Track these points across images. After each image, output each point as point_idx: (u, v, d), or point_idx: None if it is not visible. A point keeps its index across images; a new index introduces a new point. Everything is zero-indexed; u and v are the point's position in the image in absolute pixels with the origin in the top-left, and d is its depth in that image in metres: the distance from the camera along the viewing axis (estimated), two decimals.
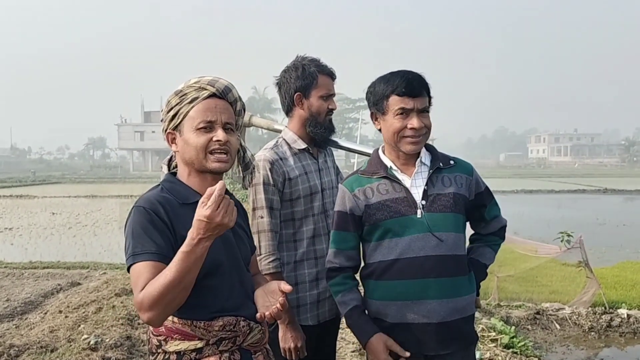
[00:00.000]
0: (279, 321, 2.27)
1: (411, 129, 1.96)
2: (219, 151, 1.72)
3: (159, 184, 1.79)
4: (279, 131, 2.65)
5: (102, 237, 13.27)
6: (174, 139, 1.76)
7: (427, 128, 2.00)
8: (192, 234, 1.50)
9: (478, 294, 2.13)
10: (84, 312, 5.63)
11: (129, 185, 37.46)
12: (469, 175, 2.09)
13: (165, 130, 1.78)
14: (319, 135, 2.48)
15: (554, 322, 6.05)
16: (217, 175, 1.76)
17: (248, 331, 1.73)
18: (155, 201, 1.67)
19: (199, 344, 1.65)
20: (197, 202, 1.69)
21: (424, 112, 1.99)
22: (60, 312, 5.92)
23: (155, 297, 1.49)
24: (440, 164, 2.05)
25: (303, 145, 2.47)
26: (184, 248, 1.50)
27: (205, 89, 1.73)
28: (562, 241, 6.43)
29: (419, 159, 2.05)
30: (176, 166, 1.86)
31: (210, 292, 1.67)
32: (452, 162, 2.10)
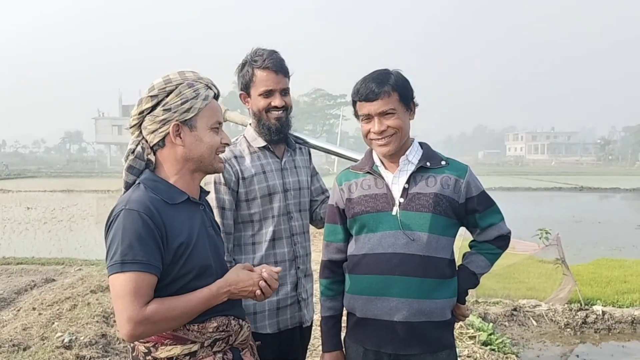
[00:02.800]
0: None
1: (373, 132, 1.97)
2: (222, 152, 1.76)
3: (139, 182, 1.69)
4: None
5: (78, 232, 13.07)
6: (179, 132, 1.67)
7: (394, 128, 1.95)
8: (225, 285, 1.65)
9: (462, 301, 2.08)
10: (58, 310, 5.53)
11: (107, 179, 37.02)
12: (459, 177, 2.01)
13: (165, 121, 1.65)
14: (263, 136, 2.33)
15: (531, 318, 6.11)
16: (205, 175, 1.80)
17: (239, 329, 1.74)
18: (149, 204, 1.60)
19: (194, 347, 1.63)
20: (185, 202, 1.70)
21: (387, 113, 1.95)
22: (34, 309, 5.80)
23: (165, 320, 1.54)
24: (428, 163, 2.02)
25: (262, 144, 2.34)
26: (213, 291, 1.62)
27: (211, 89, 1.72)
28: (540, 238, 6.49)
29: (404, 156, 2.02)
30: (148, 162, 1.73)
31: None
32: (443, 162, 2.05)
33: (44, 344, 4.40)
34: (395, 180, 2.01)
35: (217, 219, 2.16)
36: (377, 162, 2.06)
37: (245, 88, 2.33)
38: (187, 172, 1.72)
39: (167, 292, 1.59)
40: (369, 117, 1.98)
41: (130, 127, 1.73)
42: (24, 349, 4.34)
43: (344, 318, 2.15)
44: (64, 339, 4.30)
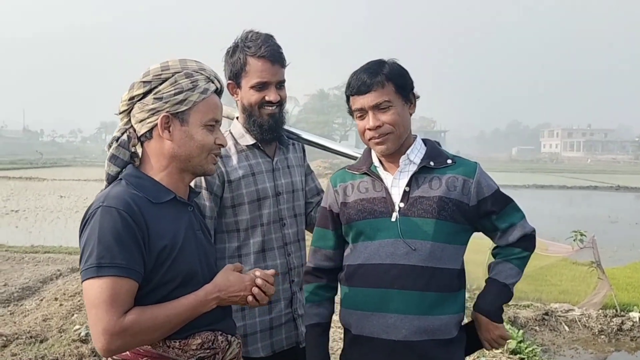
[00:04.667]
0: None
1: (368, 129, 1.77)
2: (216, 153, 1.59)
3: (121, 178, 1.53)
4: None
5: None
6: (169, 125, 1.51)
7: (390, 125, 1.75)
8: (214, 290, 1.49)
9: (498, 319, 1.82)
10: (79, 301, 5.52)
11: None
12: (467, 177, 1.79)
13: (155, 111, 1.49)
14: (254, 133, 2.07)
15: (563, 323, 5.88)
16: (196, 176, 1.63)
17: (227, 346, 1.56)
18: (129, 200, 1.44)
19: None
20: (171, 201, 1.53)
21: (381, 107, 1.75)
22: (56, 299, 5.83)
23: (148, 331, 1.38)
24: (431, 163, 1.81)
25: (251, 141, 2.08)
26: (200, 297, 1.46)
27: (213, 82, 1.56)
28: (574, 240, 6.23)
29: (405, 155, 1.82)
30: (133, 155, 1.57)
31: None
32: (449, 161, 1.83)
33: (61, 336, 4.38)
34: (395, 183, 1.81)
35: None
36: (376, 162, 1.86)
37: (235, 77, 2.04)
38: (174, 170, 1.55)
39: (148, 300, 1.43)
40: (362, 113, 1.78)
41: (120, 113, 1.57)
42: (41, 341, 4.33)
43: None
44: (80, 332, 4.27)
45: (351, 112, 1.84)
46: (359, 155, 2.29)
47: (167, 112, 1.50)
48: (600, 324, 5.80)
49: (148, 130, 1.52)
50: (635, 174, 45.49)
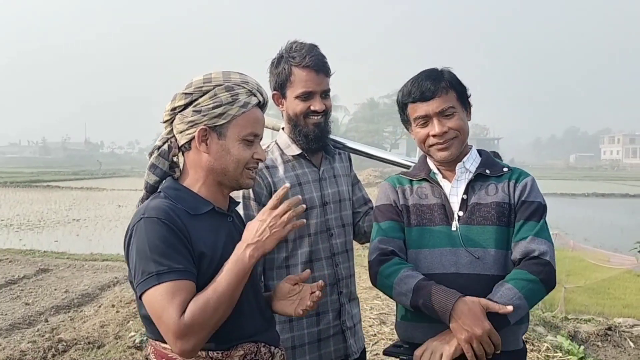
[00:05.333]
0: None
1: (433, 135, 1.74)
2: (253, 169, 1.56)
3: (160, 191, 1.54)
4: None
5: None
6: (207, 138, 1.50)
7: (455, 130, 1.74)
8: (243, 243, 1.43)
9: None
10: (134, 308, 5.64)
11: None
12: (517, 182, 1.77)
13: (194, 124, 1.49)
14: (300, 144, 2.05)
15: (628, 339, 5.57)
16: (231, 190, 1.60)
17: (270, 358, 1.53)
18: (169, 210, 1.43)
19: None
20: (210, 212, 1.52)
21: (446, 113, 1.73)
22: (113, 306, 5.99)
23: (208, 317, 1.34)
24: (487, 171, 1.79)
25: (297, 151, 2.06)
26: (236, 257, 1.41)
27: (255, 96, 1.53)
28: (639, 251, 5.93)
29: (461, 163, 1.79)
30: (173, 165, 1.58)
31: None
32: (505, 169, 1.81)
33: (117, 343, 4.49)
34: (454, 191, 1.78)
35: None
36: (434, 169, 1.84)
37: (280, 88, 2.03)
38: (212, 182, 1.54)
39: None
40: (425, 120, 1.75)
41: (163, 122, 1.58)
42: (99, 347, 4.45)
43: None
44: (135, 339, 4.36)
45: (406, 120, 1.82)
46: (406, 162, 2.26)
47: (205, 125, 1.49)
48: None
49: (187, 142, 1.53)
50: None
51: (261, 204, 1.96)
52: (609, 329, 5.71)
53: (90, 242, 11.71)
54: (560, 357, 4.37)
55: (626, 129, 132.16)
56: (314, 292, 1.60)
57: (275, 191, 1.95)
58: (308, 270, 1.65)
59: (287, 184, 1.56)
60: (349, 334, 2.10)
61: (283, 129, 2.14)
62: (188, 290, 1.35)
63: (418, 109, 1.76)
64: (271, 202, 1.47)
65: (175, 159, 1.58)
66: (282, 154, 2.08)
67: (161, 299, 1.33)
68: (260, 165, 1.87)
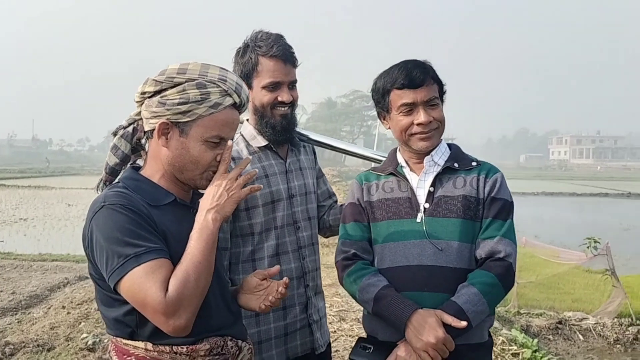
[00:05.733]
0: None
1: (418, 124, 1.74)
2: (213, 172, 1.48)
3: (119, 181, 1.48)
4: None
5: None
6: (168, 132, 1.43)
7: (438, 121, 1.76)
8: (202, 208, 1.40)
9: (453, 335, 1.58)
10: (86, 309, 5.49)
11: None
12: (487, 177, 1.77)
13: (157, 115, 1.41)
14: (266, 135, 2.01)
15: (577, 332, 5.77)
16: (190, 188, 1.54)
17: (237, 352, 1.49)
18: (129, 197, 1.38)
19: None
20: (172, 203, 1.46)
21: (431, 103, 1.75)
22: (64, 307, 5.78)
23: (192, 287, 1.29)
24: (455, 164, 1.79)
25: (263, 143, 2.02)
26: (198, 223, 1.38)
27: (230, 96, 1.44)
28: (588, 247, 6.14)
29: (429, 157, 1.80)
30: (135, 147, 1.52)
31: None
32: (474, 163, 1.82)
33: (68, 344, 4.34)
34: (421, 184, 1.79)
35: None
36: (402, 162, 1.85)
37: (246, 78, 1.97)
38: (171, 177, 1.48)
39: None
40: (411, 107, 1.74)
41: (135, 102, 1.50)
42: (48, 350, 4.28)
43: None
44: (87, 341, 4.23)
45: (386, 107, 1.80)
46: (369, 155, 2.27)
47: (167, 119, 1.41)
48: (616, 332, 5.69)
49: (150, 130, 1.46)
50: None
51: None
52: (560, 322, 5.90)
53: (38, 242, 11.28)
54: (515, 350, 4.48)
55: (573, 130, 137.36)
56: (279, 288, 1.56)
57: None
58: (277, 267, 1.61)
59: (249, 157, 1.56)
60: (315, 328, 2.09)
61: (247, 120, 2.09)
62: (168, 268, 1.30)
63: (405, 96, 1.74)
64: (232, 173, 1.44)
65: (143, 141, 1.51)
66: (248, 145, 2.04)
67: (144, 279, 1.26)
68: None
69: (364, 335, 1.86)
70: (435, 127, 1.76)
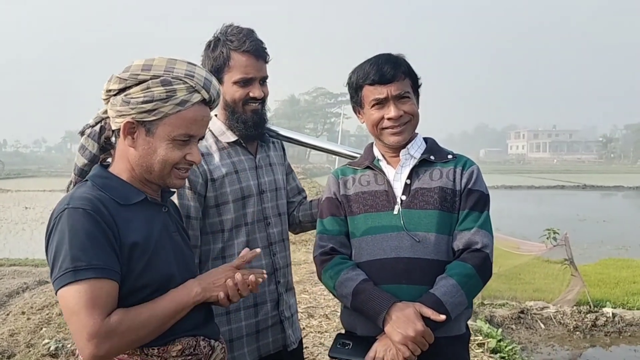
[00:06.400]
0: None
1: (388, 119, 1.75)
2: (183, 169, 1.45)
3: (87, 179, 1.44)
4: None
5: None
6: (134, 132, 1.39)
7: (410, 115, 1.77)
8: (196, 280, 1.42)
9: (432, 327, 1.58)
10: (47, 314, 5.34)
11: None
12: (464, 169, 1.79)
13: (121, 114, 1.37)
14: (237, 130, 1.98)
15: (539, 321, 5.93)
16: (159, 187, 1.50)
17: (210, 352, 1.47)
18: (96, 201, 1.33)
19: None
20: (142, 202, 1.43)
21: (403, 97, 1.75)
22: (23, 313, 5.61)
23: (132, 329, 1.28)
24: (432, 157, 1.81)
25: (233, 138, 1.99)
26: (179, 289, 1.39)
27: (198, 93, 1.39)
28: (547, 238, 6.31)
29: (405, 150, 1.81)
30: (104, 147, 1.49)
31: None
32: (450, 156, 1.84)
33: (29, 351, 4.22)
34: (397, 177, 1.80)
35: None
36: (379, 156, 1.85)
37: (217, 72, 1.93)
38: (139, 176, 1.45)
39: (122, 307, 1.33)
40: (382, 103, 1.75)
41: (103, 99, 1.46)
42: (9, 357, 4.16)
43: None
44: (50, 347, 4.12)
45: (359, 102, 1.81)
46: (339, 150, 2.28)
47: (132, 118, 1.38)
48: (575, 320, 5.87)
49: (118, 129, 1.42)
50: (601, 173, 46.79)
51: (196, 193, 1.89)
52: (522, 312, 6.05)
53: None
54: (481, 340, 4.57)
55: (530, 125, 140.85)
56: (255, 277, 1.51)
57: (211, 179, 1.91)
58: (256, 250, 1.56)
59: (258, 250, 1.53)
60: (287, 324, 2.07)
61: (216, 115, 2.06)
62: (107, 291, 1.27)
63: (376, 92, 1.75)
64: (236, 262, 1.48)
65: (113, 139, 1.47)
66: (217, 141, 2.00)
67: (78, 299, 1.24)
68: None
69: (332, 331, 1.86)
70: (407, 121, 1.77)
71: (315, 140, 2.38)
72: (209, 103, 1.46)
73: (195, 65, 1.44)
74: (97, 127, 1.47)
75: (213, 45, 1.96)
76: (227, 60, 1.92)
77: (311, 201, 2.24)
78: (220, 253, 1.95)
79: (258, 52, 1.94)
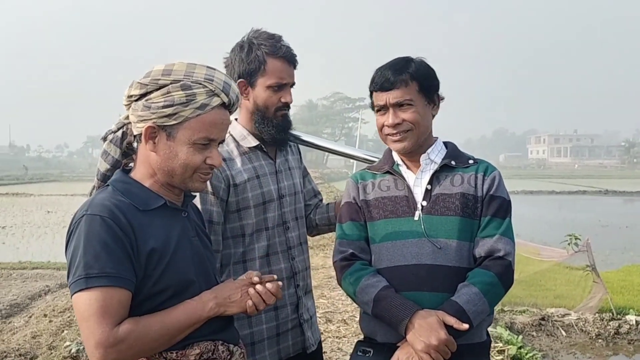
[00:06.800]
0: None
1: (387, 126, 1.75)
2: (205, 173, 1.46)
3: (109, 184, 1.46)
4: None
5: None
6: (155, 136, 1.41)
7: (410, 123, 1.73)
8: (212, 295, 1.41)
9: (454, 336, 1.57)
10: (69, 317, 5.41)
11: None
12: (485, 175, 1.76)
13: (143, 119, 1.39)
14: (267, 134, 2.00)
15: (560, 328, 5.84)
16: (182, 191, 1.51)
17: (229, 356, 1.47)
18: (114, 207, 1.35)
19: None
20: (162, 207, 1.45)
21: (404, 105, 1.72)
22: (45, 315, 5.70)
23: (141, 342, 1.29)
24: (452, 162, 1.78)
25: (254, 143, 2.01)
26: (195, 303, 1.39)
27: (218, 96, 1.41)
28: (569, 244, 6.22)
29: (425, 154, 1.79)
30: (126, 152, 1.51)
31: None
32: (471, 161, 1.81)
33: (51, 353, 4.29)
34: (418, 182, 1.78)
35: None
36: (399, 161, 1.84)
37: (249, 76, 1.95)
38: (161, 180, 1.46)
39: (139, 312, 1.34)
40: (384, 109, 1.76)
41: (124, 105, 1.48)
42: (31, 359, 4.22)
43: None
44: (71, 349, 4.17)
45: (373, 107, 1.82)
46: (361, 155, 2.29)
47: (153, 123, 1.39)
48: (597, 327, 5.76)
49: (139, 134, 1.44)
50: (623, 178, 46.00)
51: (219, 198, 1.91)
52: (543, 319, 5.96)
53: (17, 250, 11.09)
54: (501, 347, 4.52)
55: (551, 129, 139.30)
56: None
57: (234, 184, 1.93)
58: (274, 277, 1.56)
59: (280, 283, 1.52)
60: (306, 327, 2.09)
61: (236, 119, 2.07)
62: (118, 299, 1.29)
63: (378, 98, 1.76)
64: (255, 278, 1.48)
65: (134, 144, 1.49)
66: (238, 145, 2.02)
67: (88, 306, 1.27)
68: None
69: (350, 336, 1.87)
70: (407, 129, 1.73)
71: (337, 146, 2.39)
72: (229, 107, 1.47)
73: (214, 69, 1.45)
74: (119, 133, 1.49)
75: (247, 48, 1.96)
76: (263, 65, 1.94)
77: (328, 204, 2.25)
78: (241, 257, 1.97)
79: (291, 58, 1.98)
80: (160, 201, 1.45)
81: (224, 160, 1.88)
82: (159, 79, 1.39)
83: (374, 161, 2.12)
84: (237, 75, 1.97)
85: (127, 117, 1.48)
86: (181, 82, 1.38)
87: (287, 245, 2.05)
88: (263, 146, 2.04)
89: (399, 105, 1.73)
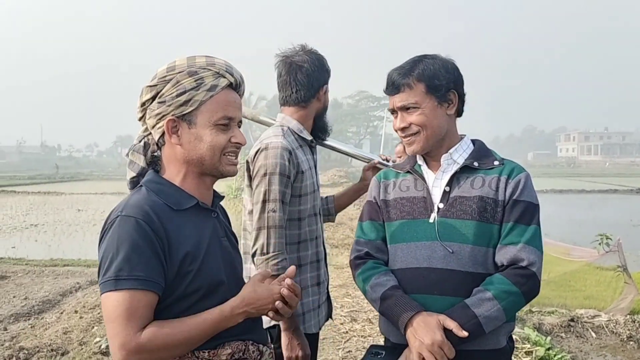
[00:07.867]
0: (282, 328, 2.03)
1: (396, 129, 1.76)
2: (232, 154, 1.48)
3: (142, 185, 1.48)
4: (266, 124, 2.49)
5: None
6: (177, 129, 1.44)
7: (417, 126, 1.70)
8: (242, 304, 1.39)
9: (454, 341, 1.56)
10: (99, 314, 5.51)
11: None
12: (509, 178, 1.69)
13: (162, 116, 1.43)
14: (323, 132, 2.35)
15: (590, 330, 5.72)
16: (217, 179, 1.53)
17: (259, 356, 1.49)
18: (148, 209, 1.38)
19: None
20: (193, 207, 1.47)
21: (409, 108, 1.70)
22: (76, 312, 5.82)
23: (170, 347, 1.31)
24: (475, 163, 1.73)
25: (309, 137, 2.28)
26: (225, 313, 1.37)
27: (224, 77, 1.45)
28: (599, 244, 6.10)
29: (447, 154, 1.75)
30: (153, 160, 1.54)
31: None
32: (496, 162, 1.74)
33: (82, 349, 4.37)
34: (437, 183, 1.75)
35: (278, 213, 2.01)
36: (420, 160, 1.82)
37: (321, 77, 2.26)
38: (192, 176, 1.48)
39: (170, 313, 1.37)
40: (394, 112, 1.77)
41: (139, 120, 1.52)
42: (62, 354, 4.32)
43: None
44: (101, 345, 4.26)
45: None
46: (373, 158, 2.41)
47: (172, 115, 1.43)
48: (629, 329, 5.64)
49: (161, 136, 1.47)
50: None
51: (291, 181, 2.11)
52: (572, 320, 5.85)
53: (49, 247, 11.32)
54: (529, 348, 4.46)
55: (581, 127, 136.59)
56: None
57: (301, 171, 2.14)
58: (293, 267, 1.56)
59: (291, 282, 1.53)
60: (331, 298, 2.43)
61: (287, 116, 2.27)
62: (145, 303, 1.31)
63: (390, 101, 1.77)
64: (290, 287, 1.47)
65: (156, 153, 1.52)
66: (298, 137, 2.24)
67: (115, 307, 1.29)
68: (290, 146, 2.04)
69: (375, 335, 1.88)
70: (415, 132, 1.71)
71: (349, 148, 2.68)
72: (235, 88, 1.50)
73: (212, 56, 1.49)
74: (142, 144, 1.52)
75: (324, 61, 2.27)
76: (330, 71, 2.30)
77: (327, 197, 2.53)
78: (297, 238, 2.17)
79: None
80: (193, 201, 1.47)
81: (291, 149, 2.10)
82: (166, 76, 1.44)
83: (385, 165, 2.30)
84: (323, 82, 2.26)
85: (145, 130, 1.52)
86: (187, 70, 1.43)
87: (321, 231, 2.31)
88: (312, 142, 2.30)
89: (405, 109, 1.72)
